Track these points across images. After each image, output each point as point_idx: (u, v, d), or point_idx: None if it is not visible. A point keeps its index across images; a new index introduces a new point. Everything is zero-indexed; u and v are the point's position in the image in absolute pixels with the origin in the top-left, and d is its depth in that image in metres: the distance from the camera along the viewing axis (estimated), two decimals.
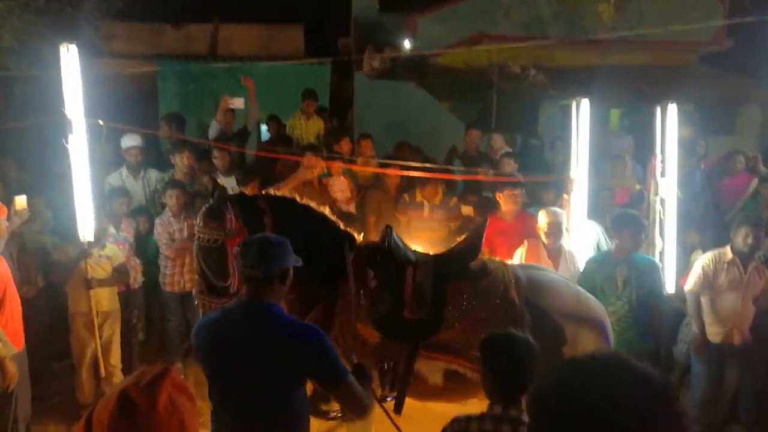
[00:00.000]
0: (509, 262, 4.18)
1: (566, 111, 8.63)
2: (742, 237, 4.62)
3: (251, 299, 2.53)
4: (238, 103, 6.82)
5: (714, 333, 4.74)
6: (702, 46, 10.96)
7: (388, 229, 3.63)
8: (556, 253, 4.85)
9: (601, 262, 4.67)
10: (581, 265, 4.84)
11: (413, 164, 5.51)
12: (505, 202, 5.31)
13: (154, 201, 6.10)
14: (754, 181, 6.65)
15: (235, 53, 11.69)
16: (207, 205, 3.39)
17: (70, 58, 4.37)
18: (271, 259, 2.49)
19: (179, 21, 12.68)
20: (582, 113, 5.19)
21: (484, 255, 4.12)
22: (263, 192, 3.82)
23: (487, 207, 5.80)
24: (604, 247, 5.48)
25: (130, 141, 6.06)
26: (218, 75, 10.32)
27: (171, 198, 5.45)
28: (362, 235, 3.91)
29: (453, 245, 3.95)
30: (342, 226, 3.75)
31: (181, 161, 5.93)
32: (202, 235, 3.28)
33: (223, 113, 6.90)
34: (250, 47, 12.26)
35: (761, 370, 4.72)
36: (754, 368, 4.73)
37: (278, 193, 3.79)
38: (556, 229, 4.79)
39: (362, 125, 9.40)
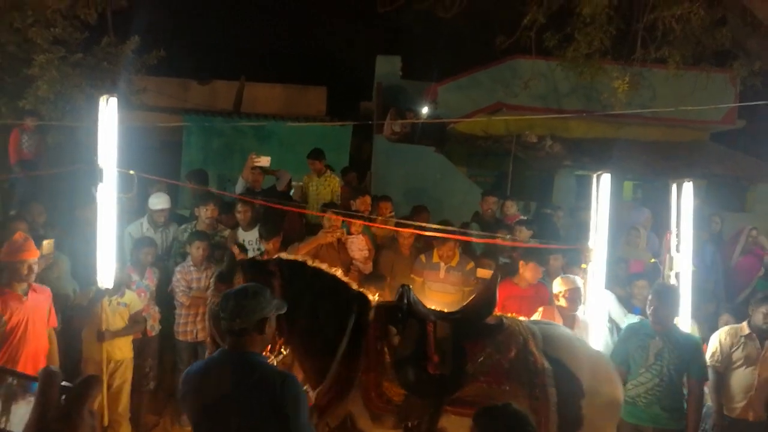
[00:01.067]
0: (522, 318, 4.23)
1: (581, 181, 8.79)
2: (762, 314, 4.63)
3: (233, 349, 2.65)
4: (264, 161, 7.01)
5: (730, 408, 4.69)
6: (713, 125, 11.23)
7: (406, 287, 3.73)
8: (570, 321, 4.87)
9: (636, 330, 4.66)
10: (595, 335, 4.85)
11: (433, 225, 5.61)
12: (527, 270, 5.39)
13: (170, 253, 6.19)
14: (766, 258, 6.70)
15: (258, 111, 12.07)
16: (218, 270, 3.52)
17: (109, 109, 4.55)
18: (247, 312, 2.62)
19: (206, 77, 13.20)
20: (602, 185, 5.31)
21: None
22: (276, 256, 3.92)
23: (504, 272, 5.85)
24: (617, 316, 5.51)
25: (160, 203, 6.16)
26: (242, 131, 10.64)
27: (196, 249, 5.56)
28: (377, 295, 3.98)
29: (467, 302, 4.02)
30: (355, 287, 3.82)
31: (205, 213, 6.07)
32: (213, 299, 3.38)
33: (249, 170, 7.08)
34: (273, 106, 12.68)
35: None
36: None
37: (291, 257, 3.88)
38: (575, 295, 4.84)
39: (380, 187, 9.59)
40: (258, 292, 2.71)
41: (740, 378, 4.66)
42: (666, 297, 4.59)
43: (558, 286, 4.90)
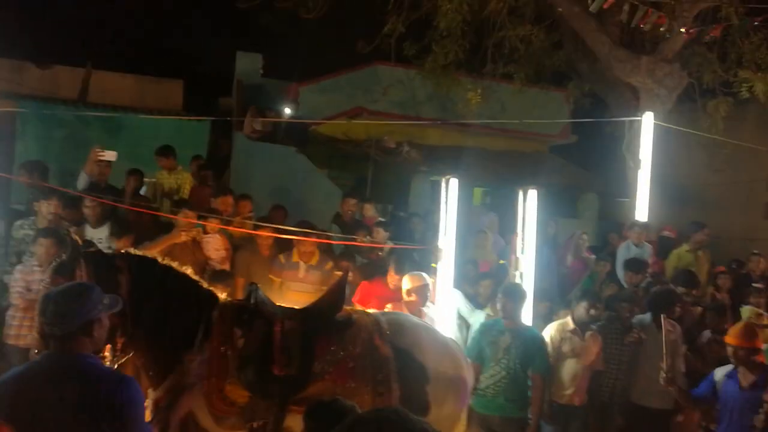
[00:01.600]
0: (372, 311, 4.35)
1: (435, 186, 9.26)
2: (583, 309, 5.19)
3: (59, 352, 2.45)
4: (110, 155, 6.56)
5: (560, 395, 5.20)
6: (552, 138, 12.38)
7: (254, 286, 3.68)
8: (418, 315, 5.14)
9: (490, 327, 5.02)
10: (443, 329, 5.16)
11: (291, 228, 5.62)
12: (391, 276, 5.51)
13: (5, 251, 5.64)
14: (591, 259, 7.52)
15: (107, 102, 11.26)
16: (57, 260, 3.29)
17: None
18: (70, 316, 2.43)
19: (47, 61, 12.07)
20: (451, 189, 5.66)
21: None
22: (125, 250, 3.74)
23: (364, 271, 6.02)
24: (465, 313, 5.89)
25: None
26: (88, 122, 9.87)
27: (41, 246, 5.08)
28: (226, 294, 3.92)
29: (316, 299, 4.06)
30: (205, 286, 3.74)
31: (47, 209, 5.57)
32: (47, 291, 3.15)
33: (92, 164, 6.61)
34: (124, 97, 11.88)
35: (597, 426, 5.23)
36: (591, 424, 5.23)
37: (140, 252, 3.72)
38: (421, 291, 5.08)
39: (240, 185, 9.36)
40: (82, 293, 2.50)
41: (568, 368, 5.15)
42: (514, 295, 5.00)
43: (407, 282, 5.12)
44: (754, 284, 6.89)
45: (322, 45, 12.42)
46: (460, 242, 7.36)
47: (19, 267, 5.18)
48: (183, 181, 7.59)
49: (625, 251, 7.10)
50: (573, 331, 5.21)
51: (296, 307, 4.03)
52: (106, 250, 5.57)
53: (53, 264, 3.27)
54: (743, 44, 8.28)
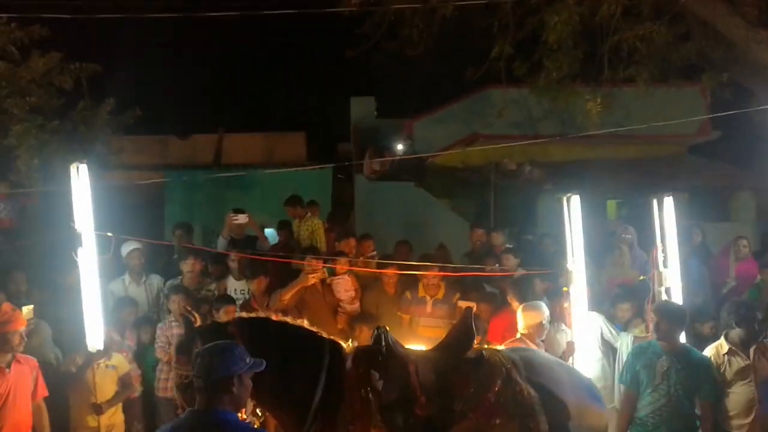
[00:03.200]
0: (501, 347, 4.21)
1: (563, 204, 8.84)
2: (736, 330, 4.57)
3: (202, 407, 2.59)
4: (242, 218, 7.03)
5: (737, 426, 4.54)
6: (689, 138, 11.36)
7: (382, 329, 3.66)
8: (548, 343, 4.90)
9: (644, 349, 4.58)
10: (585, 358, 4.82)
11: (414, 263, 5.59)
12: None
13: (157, 307, 6.14)
14: (752, 265, 6.67)
15: (238, 161, 12.12)
16: (177, 341, 3.45)
17: (80, 175, 4.55)
18: (213, 369, 2.58)
19: (185, 133, 13.28)
20: (573, 207, 5.33)
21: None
22: (237, 316, 3.85)
23: (493, 301, 5.82)
24: (609, 337, 5.45)
25: (130, 245, 6.18)
26: (223, 183, 10.66)
27: (174, 303, 5.50)
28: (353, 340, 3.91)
29: (444, 338, 3.96)
30: (326, 335, 3.73)
31: (187, 267, 6.02)
32: (178, 371, 3.32)
33: (228, 228, 7.10)
34: (253, 155, 12.74)
35: None
36: None
37: (252, 314, 3.82)
38: (534, 330, 4.82)
39: (364, 226, 9.57)
40: (226, 349, 2.67)
41: (739, 395, 4.53)
42: (670, 314, 4.50)
43: (521, 317, 4.87)
44: None
45: (431, 78, 12.52)
46: (596, 261, 6.93)
47: (160, 325, 5.61)
48: (315, 227, 7.90)
49: None
50: (730, 352, 4.58)
51: (424, 347, 3.98)
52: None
53: (175, 345, 3.44)
54: None
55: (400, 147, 10.49)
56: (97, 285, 4.59)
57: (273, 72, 15.60)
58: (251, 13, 7.11)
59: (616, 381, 5.07)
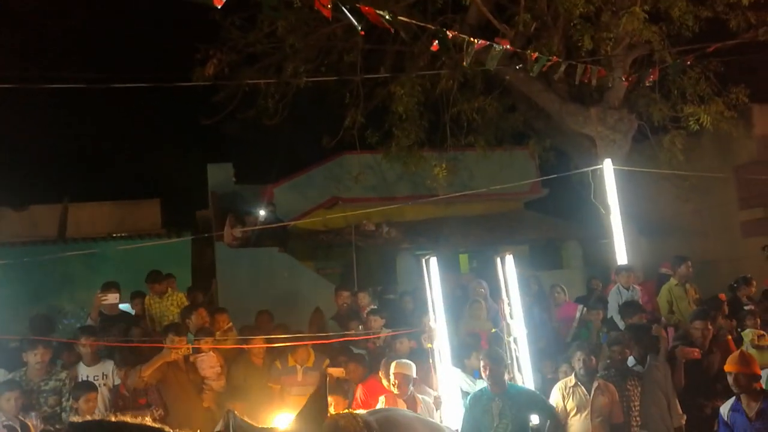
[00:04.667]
0: (359, 412, 4.28)
1: (420, 261, 9.40)
2: (577, 362, 5.22)
3: None
4: (112, 298, 6.69)
5: None
6: (523, 195, 12.68)
7: (230, 414, 3.53)
8: (411, 403, 5.13)
9: (479, 398, 5.03)
10: (442, 412, 5.15)
11: (282, 335, 5.66)
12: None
13: None
14: (580, 309, 7.56)
15: (86, 233, 11.41)
16: None
17: None
18: None
19: (22, 204, 12.26)
20: (431, 267, 5.76)
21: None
22: (70, 420, 3.62)
23: (362, 363, 6.01)
24: (467, 388, 5.86)
25: None
26: (70, 259, 9.95)
27: (6, 401, 5.00)
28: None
29: (296, 414, 3.95)
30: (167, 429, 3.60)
31: (35, 359, 5.56)
32: None
33: (97, 310, 6.72)
34: (103, 226, 12.04)
35: None
36: None
37: (85, 418, 3.59)
38: (402, 379, 5.10)
39: (226, 294, 9.42)
40: None
41: (578, 426, 5.10)
42: (496, 360, 5.03)
43: (390, 371, 5.16)
44: (745, 307, 6.96)
45: (289, 144, 12.83)
46: (454, 314, 7.44)
47: None
48: (179, 300, 7.58)
49: (616, 296, 7.13)
50: (575, 385, 5.20)
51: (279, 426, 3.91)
52: (105, 386, 5.58)
53: None
54: (683, 81, 8.75)
55: (261, 213, 10.56)
56: None
57: (124, 139, 15.04)
58: (99, 87, 6.95)
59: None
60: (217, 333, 6.57)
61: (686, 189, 9.60)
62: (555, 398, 5.24)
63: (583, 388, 5.17)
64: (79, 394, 5.08)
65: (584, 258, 10.85)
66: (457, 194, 8.88)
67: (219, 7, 3.72)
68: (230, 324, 6.95)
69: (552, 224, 12.06)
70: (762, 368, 4.63)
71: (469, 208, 12.04)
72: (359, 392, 5.53)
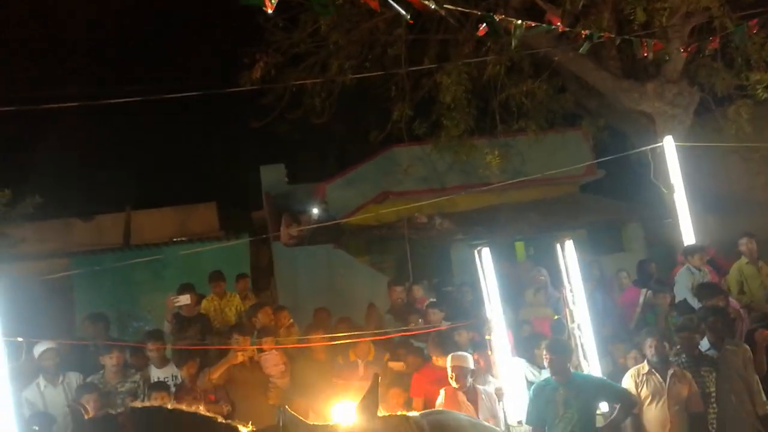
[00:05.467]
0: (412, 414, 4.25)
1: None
2: (649, 349, 5.03)
3: None
4: (184, 299, 6.89)
5: None
6: (579, 178, 12.34)
7: (281, 410, 3.56)
8: (472, 395, 5.07)
9: (543, 388, 4.93)
10: (505, 403, 5.05)
11: (343, 332, 5.70)
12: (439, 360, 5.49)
13: None
14: (643, 293, 7.30)
15: (149, 239, 11.80)
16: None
17: None
18: None
19: (89, 214, 12.79)
20: (485, 258, 5.68)
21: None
22: (129, 406, 3.75)
23: (421, 356, 6.00)
24: (533, 379, 5.76)
25: (43, 344, 5.84)
26: (135, 264, 10.32)
27: (88, 403, 5.23)
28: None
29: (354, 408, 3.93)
30: (222, 421, 3.67)
31: (111, 361, 5.80)
32: None
33: (170, 312, 6.95)
34: (164, 231, 12.42)
35: None
36: None
37: (146, 403, 3.70)
38: (459, 372, 5.05)
39: (285, 292, 9.57)
40: None
41: (654, 415, 4.92)
42: (557, 349, 4.92)
43: (448, 365, 5.12)
44: None
45: (338, 142, 12.91)
46: (513, 304, 7.32)
47: None
48: (237, 303, 7.76)
49: (687, 277, 6.80)
50: (649, 373, 5.02)
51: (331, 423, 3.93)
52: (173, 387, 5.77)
53: None
54: (747, 47, 8.26)
55: (314, 211, 10.67)
56: (9, 394, 4.36)
57: (179, 145, 15.45)
58: (153, 98, 7.14)
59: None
60: (280, 331, 6.70)
61: (756, 161, 9.12)
62: (628, 385, 5.09)
63: (657, 375, 4.99)
64: (153, 394, 5.26)
65: (646, 240, 10.47)
66: (510, 182, 8.70)
67: (270, 11, 3.73)
68: (291, 321, 7.06)
69: (610, 206, 11.68)
70: None
71: (524, 194, 11.80)
72: (415, 381, 5.53)
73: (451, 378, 5.06)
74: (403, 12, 4.11)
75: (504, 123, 9.97)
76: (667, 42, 7.76)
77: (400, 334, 6.25)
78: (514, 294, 7.75)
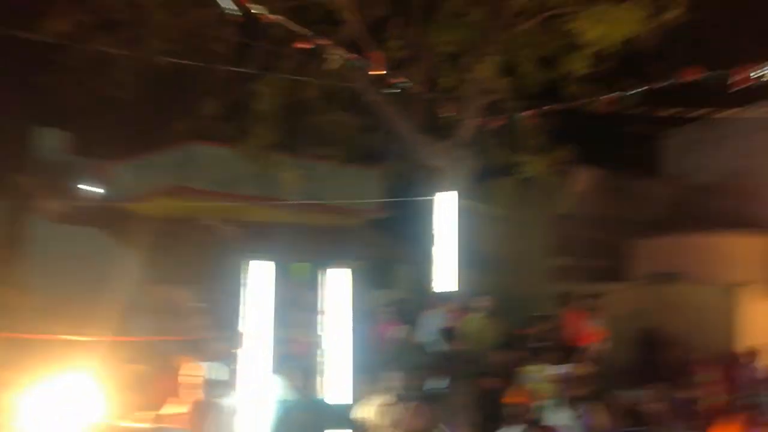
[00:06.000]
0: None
1: (256, 263, 9.25)
2: (394, 382, 5.45)
3: None
4: None
5: None
6: (370, 213, 13.01)
7: None
8: (204, 406, 5.04)
9: (284, 407, 5.13)
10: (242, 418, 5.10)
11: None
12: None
13: None
14: (400, 329, 7.93)
15: None
16: None
17: None
18: None
19: None
20: (263, 273, 5.70)
21: None
22: None
23: (167, 361, 5.78)
24: (284, 396, 5.86)
25: None
26: None
27: None
28: None
29: None
30: None
31: None
32: None
33: None
34: None
35: None
36: None
37: None
38: (201, 383, 5.05)
39: (37, 271, 8.59)
40: None
41: None
42: (308, 372, 5.14)
43: (192, 374, 5.07)
44: (531, 345, 7.70)
45: (138, 124, 12.02)
46: (280, 322, 7.39)
47: None
48: None
49: (436, 321, 7.56)
50: (392, 404, 5.40)
51: None
52: None
53: None
54: (522, 132, 9.59)
55: (93, 189, 9.76)
56: None
57: None
58: None
59: None
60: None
61: (513, 230, 10.48)
62: (370, 415, 5.40)
63: (399, 407, 5.38)
64: None
65: (414, 281, 11.35)
66: (301, 202, 8.90)
67: None
68: None
69: (391, 244, 12.48)
70: (543, 399, 5.17)
71: (318, 218, 12.11)
72: (156, 386, 5.33)
73: (193, 387, 4.94)
74: (229, 6, 4.05)
75: (310, 145, 10.20)
76: (463, 109, 8.66)
77: (150, 339, 5.97)
78: (284, 313, 7.84)
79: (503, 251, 12.06)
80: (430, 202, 9.96)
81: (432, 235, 9.44)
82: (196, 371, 4.96)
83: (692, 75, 6.77)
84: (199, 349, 5.47)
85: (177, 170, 10.91)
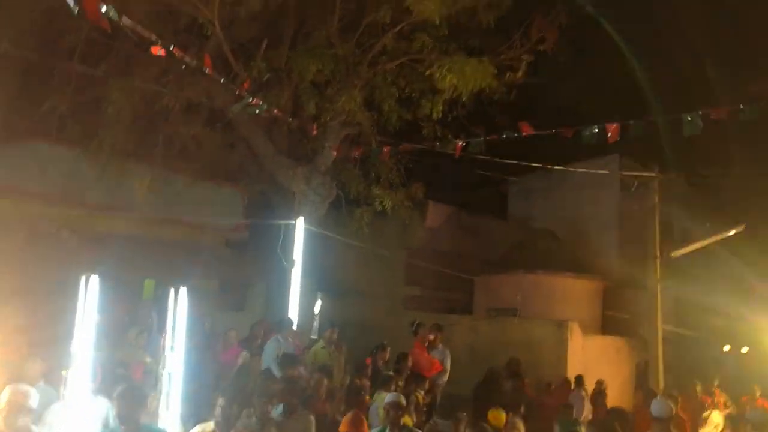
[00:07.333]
0: None
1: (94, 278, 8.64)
2: (218, 408, 5.35)
3: None
4: None
5: None
6: (227, 232, 12.67)
7: None
8: None
9: None
10: None
11: None
12: None
13: None
14: (243, 355, 7.79)
15: None
16: None
17: None
18: None
19: None
20: (95, 288, 5.37)
21: None
22: None
23: None
24: (112, 422, 5.51)
25: None
26: None
27: None
28: None
29: None
30: None
31: None
32: None
33: None
34: None
35: None
36: None
37: None
38: (12, 407, 4.64)
39: None
40: None
41: None
42: (128, 397, 4.78)
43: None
44: (384, 373, 7.91)
45: None
46: (114, 342, 6.96)
47: None
48: None
49: (275, 346, 7.45)
50: (212, 431, 5.26)
51: None
52: None
53: None
54: (379, 166, 9.99)
55: None
56: None
57: None
58: None
59: None
60: None
61: (367, 259, 10.76)
62: None
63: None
64: None
65: (267, 304, 11.21)
66: (149, 215, 8.50)
67: None
68: None
69: (246, 265, 12.25)
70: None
71: (168, 232, 11.57)
72: None
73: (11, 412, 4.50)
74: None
75: (166, 157, 9.80)
76: (324, 138, 8.85)
77: None
78: (120, 331, 7.42)
79: (358, 279, 12.35)
80: (290, 226, 10.00)
81: (289, 259, 9.48)
82: (8, 396, 4.49)
83: (526, 130, 7.47)
84: (21, 371, 4.97)
85: (13, 169, 9.93)
